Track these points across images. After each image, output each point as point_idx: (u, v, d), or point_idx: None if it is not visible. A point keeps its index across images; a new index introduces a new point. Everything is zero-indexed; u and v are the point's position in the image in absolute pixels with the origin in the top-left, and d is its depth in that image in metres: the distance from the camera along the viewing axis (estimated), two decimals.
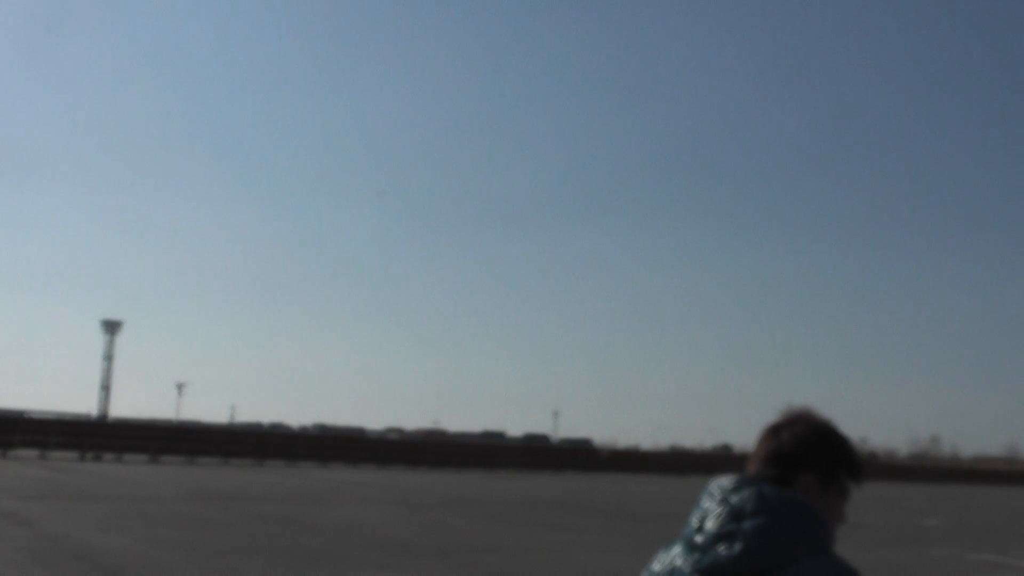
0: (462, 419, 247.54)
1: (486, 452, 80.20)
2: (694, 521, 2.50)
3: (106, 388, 68.23)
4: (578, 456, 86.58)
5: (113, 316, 69.93)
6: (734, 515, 2.41)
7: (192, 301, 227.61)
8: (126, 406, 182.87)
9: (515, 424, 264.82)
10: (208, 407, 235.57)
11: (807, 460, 2.56)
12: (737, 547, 2.34)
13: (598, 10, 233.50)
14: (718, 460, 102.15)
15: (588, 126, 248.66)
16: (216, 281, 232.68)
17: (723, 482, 2.54)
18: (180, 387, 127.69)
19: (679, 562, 2.47)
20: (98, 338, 68.75)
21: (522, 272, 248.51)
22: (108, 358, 68.52)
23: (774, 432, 2.64)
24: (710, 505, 2.49)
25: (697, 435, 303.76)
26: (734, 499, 2.44)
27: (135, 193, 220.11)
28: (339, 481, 44.02)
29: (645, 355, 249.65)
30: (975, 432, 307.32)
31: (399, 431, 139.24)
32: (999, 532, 33.31)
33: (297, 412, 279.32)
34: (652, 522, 29.31)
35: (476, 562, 17.19)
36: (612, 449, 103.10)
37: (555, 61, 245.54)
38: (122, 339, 70.00)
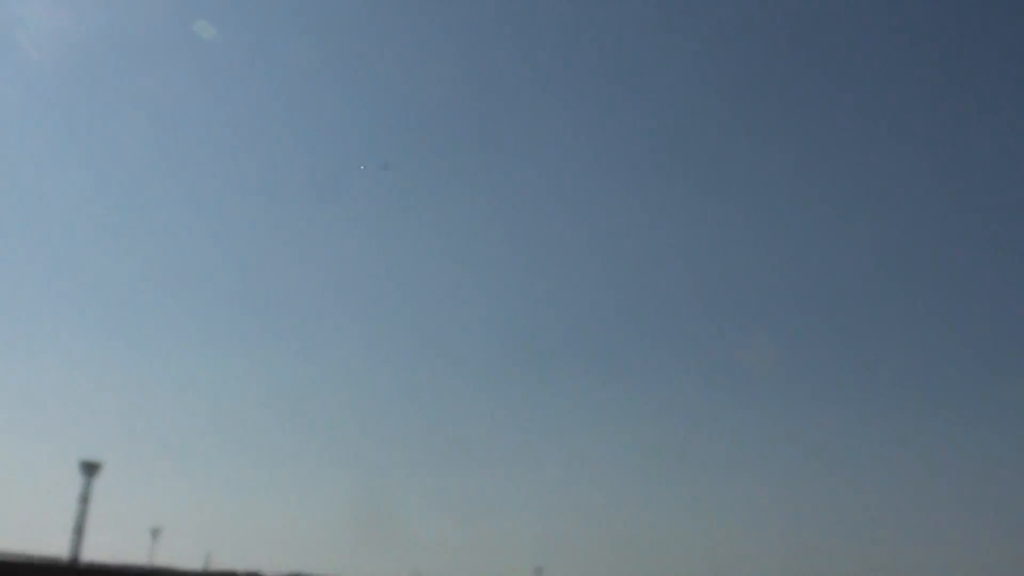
0: (442, 570, 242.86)
1: None
2: None
3: (79, 531, 66.68)
4: None
5: (92, 457, 68.75)
6: None
7: (170, 445, 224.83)
8: (99, 550, 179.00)
9: None
10: (183, 552, 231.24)
11: None
12: None
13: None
14: None
15: (551, 283, 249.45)
16: (195, 426, 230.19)
17: None
18: (155, 532, 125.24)
19: None
20: (75, 479, 67.43)
21: (506, 424, 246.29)
22: (84, 500, 67.11)
23: None
24: None
25: None
26: None
27: (119, 336, 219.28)
28: None
29: (627, 509, 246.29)
30: None
31: None
32: None
33: (273, 560, 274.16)
34: None
35: None
36: None
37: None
38: (99, 481, 68.61)
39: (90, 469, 67.99)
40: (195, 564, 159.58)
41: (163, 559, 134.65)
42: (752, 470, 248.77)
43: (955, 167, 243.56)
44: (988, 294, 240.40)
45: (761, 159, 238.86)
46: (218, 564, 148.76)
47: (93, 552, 76.07)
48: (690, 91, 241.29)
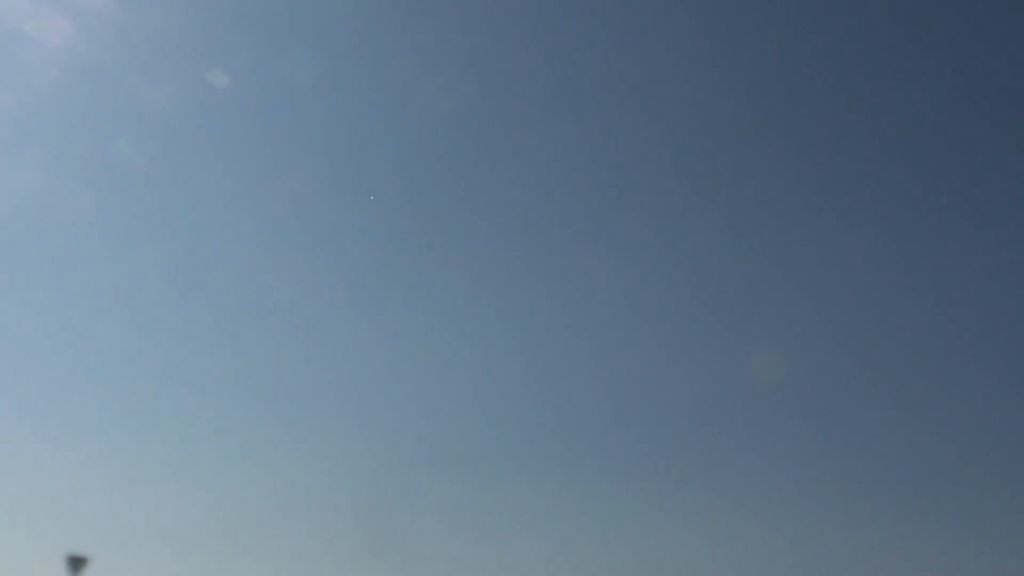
0: None
1: None
2: None
3: None
4: None
5: (78, 551, 66.19)
6: None
7: (160, 538, 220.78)
8: None
9: None
10: None
11: None
12: None
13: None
14: None
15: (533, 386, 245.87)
16: (186, 518, 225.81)
17: None
18: (74, 562, 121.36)
19: None
20: (60, 574, 64.88)
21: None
22: None
23: None
24: None
25: None
26: None
27: (103, 421, 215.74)
28: None
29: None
30: None
31: None
32: None
33: None
34: None
35: None
36: None
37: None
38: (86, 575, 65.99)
39: (76, 564, 65.44)
40: None
41: None
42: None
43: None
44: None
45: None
46: None
47: None
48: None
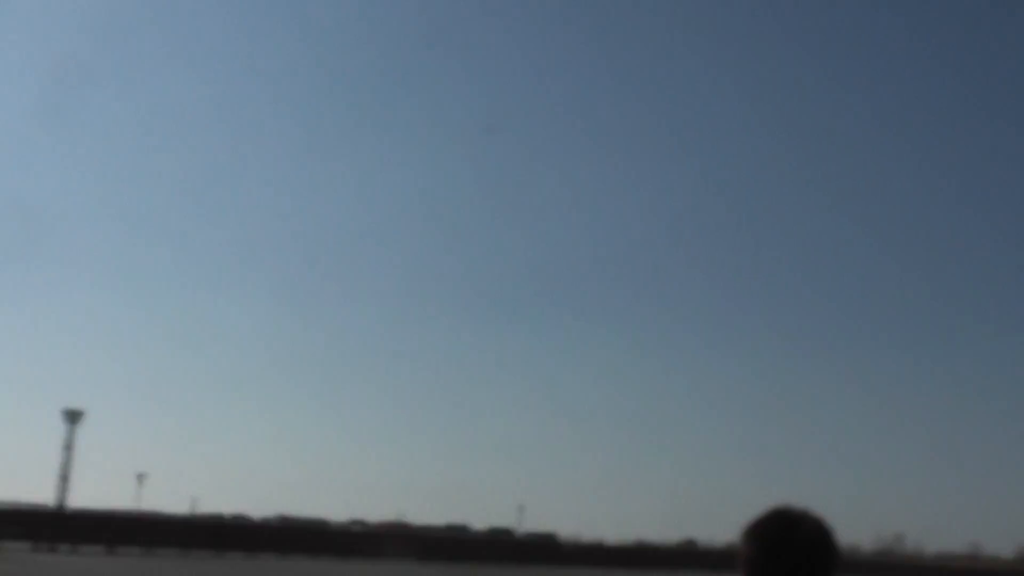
0: (426, 511, 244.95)
1: (449, 545, 79.52)
2: None
3: (64, 478, 67.14)
4: (542, 550, 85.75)
5: (75, 405, 69.02)
6: None
7: (155, 391, 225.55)
8: (84, 496, 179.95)
9: (479, 517, 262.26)
10: (169, 498, 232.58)
11: (828, 563, 2.50)
12: None
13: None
14: (683, 555, 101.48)
15: (546, 223, 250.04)
16: (178, 371, 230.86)
17: None
18: (140, 477, 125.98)
19: None
20: (58, 427, 67.80)
21: (488, 364, 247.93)
22: (68, 448, 67.52)
23: (779, 534, 2.51)
24: None
25: (662, 529, 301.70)
26: None
27: (98, 279, 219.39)
28: (299, 573, 43.29)
29: (611, 449, 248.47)
30: (939, 529, 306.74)
31: (362, 523, 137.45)
32: None
33: (259, 503, 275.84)
34: None
35: None
36: (577, 543, 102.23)
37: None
38: (83, 428, 68.86)
39: (73, 417, 68.30)
40: (181, 509, 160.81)
41: (149, 504, 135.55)
42: (726, 413, 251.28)
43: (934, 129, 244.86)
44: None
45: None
46: (204, 508, 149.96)
47: (79, 499, 76.61)
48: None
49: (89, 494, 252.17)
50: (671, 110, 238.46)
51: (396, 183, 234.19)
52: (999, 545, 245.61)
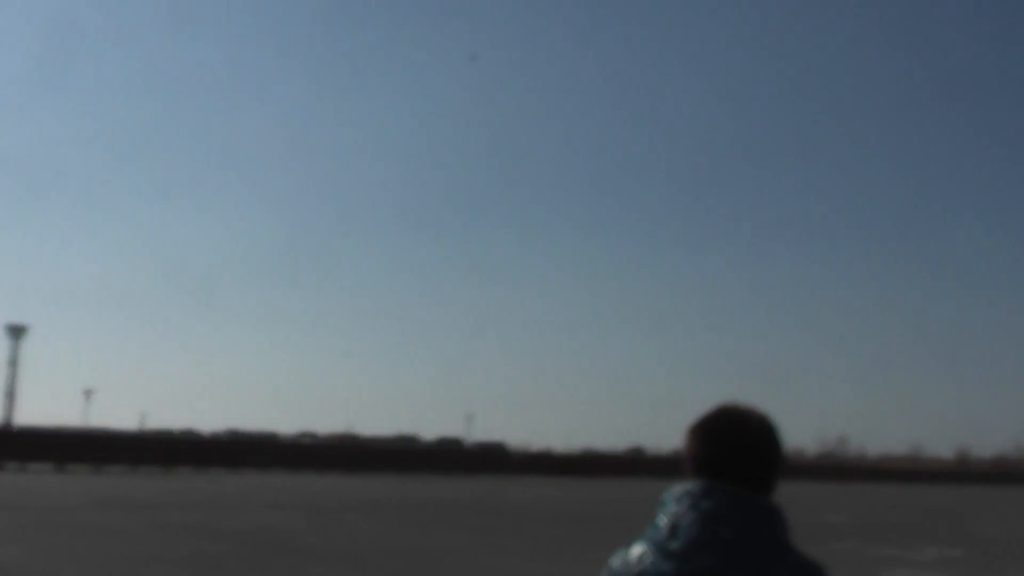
0: (375, 423, 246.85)
1: (398, 456, 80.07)
2: (663, 527, 2.43)
3: (10, 395, 67.05)
4: (491, 459, 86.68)
5: (18, 320, 68.59)
6: (708, 522, 2.37)
7: (100, 306, 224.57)
8: (32, 413, 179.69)
9: (428, 428, 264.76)
10: (117, 414, 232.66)
11: (773, 460, 2.53)
12: (721, 556, 2.32)
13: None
14: (631, 463, 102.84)
15: (503, 135, 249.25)
16: (124, 285, 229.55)
17: (689, 487, 2.46)
18: (88, 393, 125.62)
19: (648, 566, 2.42)
20: (2, 343, 67.50)
21: (435, 275, 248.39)
22: (12, 364, 67.32)
23: (725, 431, 2.52)
24: (679, 511, 2.43)
25: (610, 438, 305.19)
26: (705, 505, 2.39)
27: (43, 196, 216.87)
28: (249, 487, 43.62)
29: (557, 358, 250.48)
30: (881, 432, 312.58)
31: (312, 436, 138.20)
32: (900, 528, 33.93)
33: (209, 418, 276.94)
34: (562, 525, 29.36)
35: (384, 566, 17.17)
36: (525, 452, 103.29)
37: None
38: (28, 344, 68.46)
39: (16, 332, 67.87)
40: (130, 425, 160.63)
41: (97, 420, 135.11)
42: (671, 322, 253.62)
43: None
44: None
45: None
46: (153, 424, 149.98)
47: (26, 415, 76.41)
48: None
49: (36, 410, 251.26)
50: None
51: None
52: (938, 446, 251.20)
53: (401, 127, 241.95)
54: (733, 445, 2.48)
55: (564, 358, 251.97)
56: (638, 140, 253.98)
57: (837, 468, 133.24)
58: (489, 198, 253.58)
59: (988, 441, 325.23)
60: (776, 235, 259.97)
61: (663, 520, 2.43)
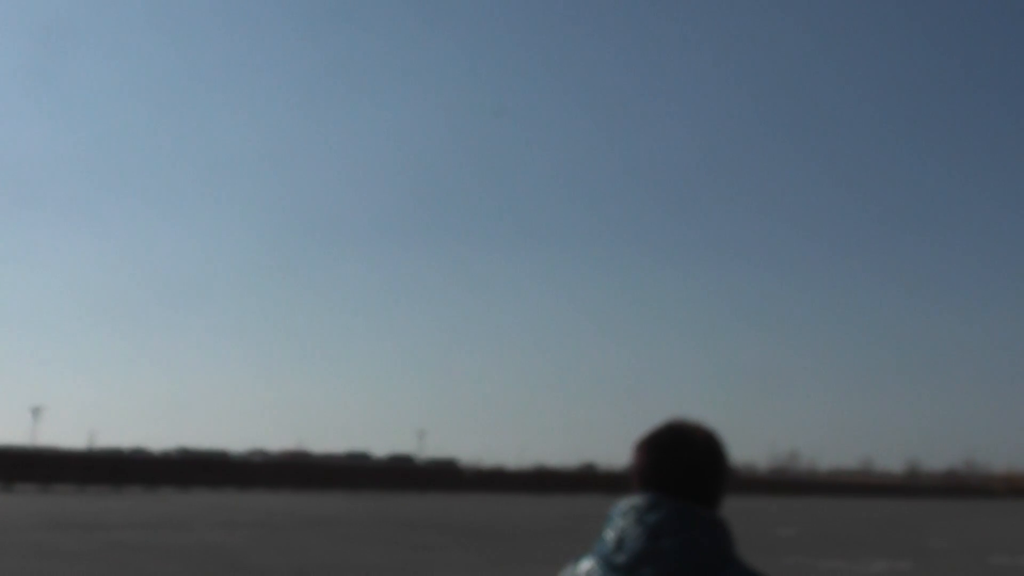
0: (327, 439, 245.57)
1: (350, 473, 79.75)
2: (609, 540, 2.46)
3: None
4: (443, 476, 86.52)
5: None
6: (653, 535, 2.40)
7: (48, 323, 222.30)
8: None
9: (380, 444, 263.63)
10: (65, 432, 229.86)
11: (718, 474, 2.56)
12: (661, 568, 2.35)
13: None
14: (583, 479, 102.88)
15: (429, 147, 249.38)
16: (71, 303, 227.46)
17: (636, 501, 2.49)
18: (35, 411, 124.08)
19: None
20: None
21: (385, 292, 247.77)
22: None
23: (671, 445, 2.55)
24: (625, 524, 2.45)
25: (562, 455, 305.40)
26: (651, 519, 2.43)
27: None
28: (199, 505, 43.32)
29: (510, 376, 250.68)
30: (832, 447, 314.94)
31: (263, 453, 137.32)
32: (850, 541, 34.18)
33: (158, 436, 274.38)
34: (514, 540, 29.38)
35: None
36: (477, 468, 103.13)
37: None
38: None
39: None
40: (79, 443, 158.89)
41: (45, 439, 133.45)
42: (623, 339, 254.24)
43: None
44: None
45: None
46: (102, 442, 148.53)
47: None
48: None
49: None
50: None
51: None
52: (889, 461, 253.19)
53: (363, 140, 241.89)
54: (679, 460, 2.51)
55: (516, 374, 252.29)
56: (604, 154, 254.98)
57: (788, 482, 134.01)
58: (442, 216, 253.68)
59: (938, 455, 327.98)
60: (728, 252, 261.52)
61: (610, 534, 2.46)
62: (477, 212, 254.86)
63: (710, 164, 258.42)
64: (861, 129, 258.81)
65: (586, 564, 2.52)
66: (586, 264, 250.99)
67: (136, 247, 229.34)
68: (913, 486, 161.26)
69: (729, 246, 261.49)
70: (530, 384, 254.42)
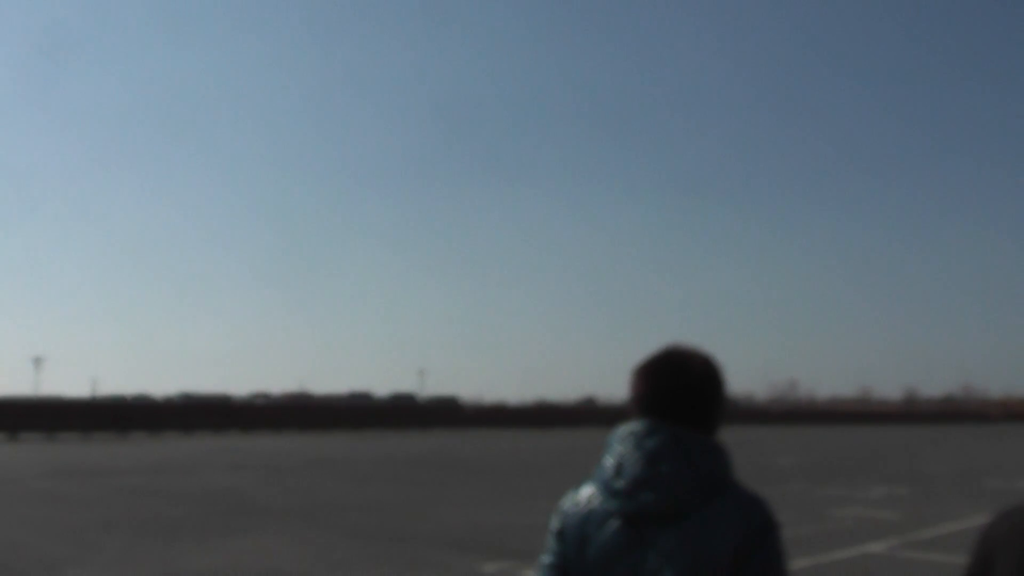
0: (328, 381, 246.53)
1: (352, 413, 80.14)
2: (608, 467, 2.54)
3: None
4: (444, 413, 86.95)
5: None
6: (651, 460, 2.46)
7: (49, 273, 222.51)
8: None
9: (381, 384, 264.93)
10: (68, 381, 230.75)
11: (715, 399, 2.61)
12: (660, 492, 2.43)
13: None
14: (584, 413, 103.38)
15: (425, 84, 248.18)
16: (73, 251, 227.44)
17: (634, 427, 2.56)
18: (37, 361, 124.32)
19: (597, 506, 2.54)
20: None
21: (385, 231, 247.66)
22: None
23: (668, 371, 2.60)
24: (624, 450, 2.52)
25: (562, 389, 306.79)
26: (649, 444, 2.49)
27: None
28: (204, 450, 43.64)
29: (509, 312, 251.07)
30: (831, 375, 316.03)
31: (265, 396, 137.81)
32: (849, 468, 34.50)
33: (161, 382, 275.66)
34: (516, 475, 29.67)
35: (340, 522, 17.33)
36: (478, 405, 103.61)
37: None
38: None
39: None
40: (82, 392, 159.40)
41: (48, 388, 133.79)
42: (622, 272, 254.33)
43: None
44: None
45: None
46: (105, 390, 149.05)
47: None
48: None
49: None
50: None
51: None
52: (887, 389, 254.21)
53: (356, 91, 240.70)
54: (676, 385, 2.57)
55: (515, 311, 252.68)
56: (572, 90, 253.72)
57: (787, 411, 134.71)
58: (439, 157, 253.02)
59: (936, 383, 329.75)
60: (721, 182, 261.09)
61: (609, 460, 2.56)
62: (471, 151, 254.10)
63: (679, 94, 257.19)
64: (842, 56, 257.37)
65: (587, 490, 2.62)
66: (582, 202, 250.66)
67: (136, 204, 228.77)
68: (911, 413, 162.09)
69: (722, 178, 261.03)
70: (530, 320, 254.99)
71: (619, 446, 2.56)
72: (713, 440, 2.56)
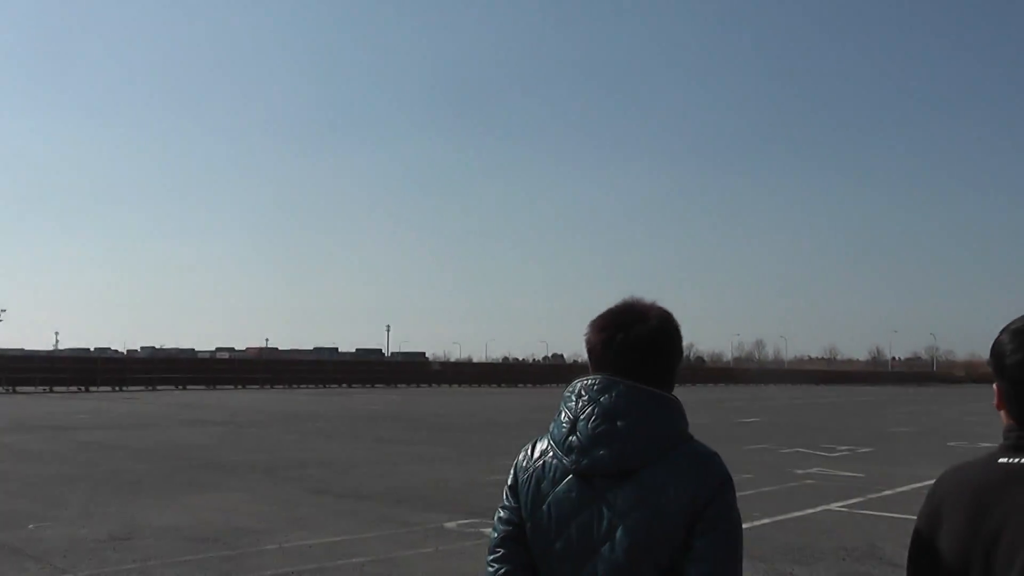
0: (294, 336, 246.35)
1: (317, 368, 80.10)
2: (564, 422, 2.51)
3: None
4: (411, 369, 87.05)
5: None
6: (607, 415, 2.43)
7: (8, 224, 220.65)
8: None
9: (348, 339, 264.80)
10: (30, 334, 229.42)
11: (671, 353, 2.58)
12: (614, 448, 2.40)
13: None
14: (550, 370, 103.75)
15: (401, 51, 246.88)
16: (33, 203, 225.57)
17: (588, 382, 2.53)
18: None
19: (552, 461, 2.52)
20: None
21: (354, 185, 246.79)
22: None
23: (624, 325, 2.57)
24: (579, 405, 2.49)
25: (529, 347, 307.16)
26: (604, 399, 2.46)
27: None
28: (167, 404, 43.51)
29: (476, 268, 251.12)
30: (797, 335, 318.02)
31: (230, 350, 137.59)
32: (814, 428, 34.73)
33: (125, 336, 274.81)
34: (481, 432, 29.71)
35: (302, 476, 17.30)
36: (445, 361, 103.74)
37: None
38: None
39: None
40: (44, 344, 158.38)
41: (9, 342, 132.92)
42: (588, 231, 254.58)
43: None
44: None
45: None
46: (68, 343, 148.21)
47: None
48: None
49: None
50: None
51: None
52: (854, 350, 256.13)
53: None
54: (632, 339, 2.53)
55: (482, 267, 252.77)
56: (553, 58, 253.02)
57: (754, 371, 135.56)
58: (412, 109, 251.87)
59: (902, 344, 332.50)
60: (694, 142, 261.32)
61: (564, 416, 2.53)
62: (438, 109, 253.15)
63: (652, 57, 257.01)
64: (807, 20, 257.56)
65: (541, 444, 2.60)
66: (550, 159, 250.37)
67: (99, 141, 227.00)
68: (877, 373, 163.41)
69: (691, 139, 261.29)
70: (496, 277, 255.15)
71: (574, 400, 2.52)
72: (668, 395, 2.53)
